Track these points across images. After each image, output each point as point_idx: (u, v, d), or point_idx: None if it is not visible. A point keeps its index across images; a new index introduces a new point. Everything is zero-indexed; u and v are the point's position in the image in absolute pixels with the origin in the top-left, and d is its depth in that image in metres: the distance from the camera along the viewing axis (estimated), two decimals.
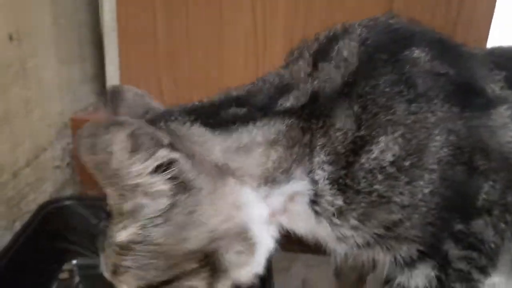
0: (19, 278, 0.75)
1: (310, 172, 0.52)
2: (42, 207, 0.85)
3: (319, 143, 0.51)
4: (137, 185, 0.45)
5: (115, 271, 0.50)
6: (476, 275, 0.55)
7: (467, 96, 0.53)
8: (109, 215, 0.50)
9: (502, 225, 0.54)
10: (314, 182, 0.52)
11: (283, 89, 0.54)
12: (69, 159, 1.05)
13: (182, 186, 0.47)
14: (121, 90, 0.58)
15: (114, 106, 0.57)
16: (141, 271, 0.48)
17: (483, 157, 0.52)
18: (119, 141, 0.43)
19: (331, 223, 0.53)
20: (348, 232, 0.53)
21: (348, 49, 0.54)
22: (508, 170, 0.53)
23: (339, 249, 0.58)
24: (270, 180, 0.51)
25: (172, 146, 0.46)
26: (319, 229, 0.55)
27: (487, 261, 0.55)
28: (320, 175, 0.51)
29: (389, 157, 0.50)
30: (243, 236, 0.50)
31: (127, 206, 0.47)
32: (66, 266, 0.86)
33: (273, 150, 0.51)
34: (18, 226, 0.85)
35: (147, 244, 0.47)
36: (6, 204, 0.86)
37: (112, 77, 1.07)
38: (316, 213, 0.53)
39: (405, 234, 0.53)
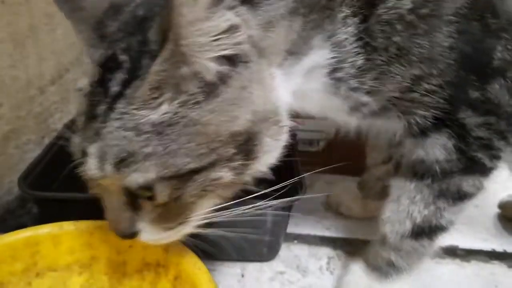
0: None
1: (332, 35, 0.50)
2: (69, 125, 0.85)
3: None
4: (202, 45, 0.41)
5: (123, 161, 0.43)
6: (496, 142, 0.54)
7: None
8: (100, 94, 0.44)
9: None
10: (337, 44, 0.50)
11: None
12: None
13: (241, 56, 0.44)
14: None
15: None
16: (169, 157, 0.43)
17: (494, 17, 0.51)
18: None
19: (349, 89, 0.52)
20: (364, 98, 0.53)
21: None
22: None
23: (352, 121, 0.57)
24: (291, 53, 0.49)
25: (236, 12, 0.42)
26: (333, 102, 0.54)
27: (505, 126, 0.54)
28: (345, 32, 0.49)
29: (407, 3, 0.49)
30: (275, 120, 0.48)
31: (182, 71, 0.42)
32: None
33: (294, 19, 0.48)
34: (47, 142, 0.86)
35: (186, 125, 0.43)
36: (35, 119, 0.87)
37: None
38: (336, 80, 0.52)
39: (421, 98, 0.52)
